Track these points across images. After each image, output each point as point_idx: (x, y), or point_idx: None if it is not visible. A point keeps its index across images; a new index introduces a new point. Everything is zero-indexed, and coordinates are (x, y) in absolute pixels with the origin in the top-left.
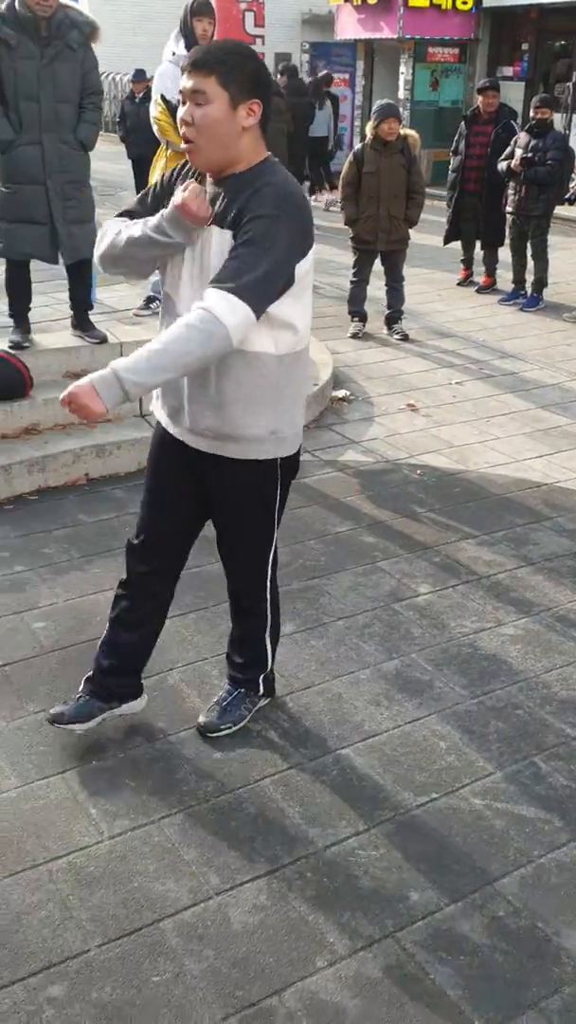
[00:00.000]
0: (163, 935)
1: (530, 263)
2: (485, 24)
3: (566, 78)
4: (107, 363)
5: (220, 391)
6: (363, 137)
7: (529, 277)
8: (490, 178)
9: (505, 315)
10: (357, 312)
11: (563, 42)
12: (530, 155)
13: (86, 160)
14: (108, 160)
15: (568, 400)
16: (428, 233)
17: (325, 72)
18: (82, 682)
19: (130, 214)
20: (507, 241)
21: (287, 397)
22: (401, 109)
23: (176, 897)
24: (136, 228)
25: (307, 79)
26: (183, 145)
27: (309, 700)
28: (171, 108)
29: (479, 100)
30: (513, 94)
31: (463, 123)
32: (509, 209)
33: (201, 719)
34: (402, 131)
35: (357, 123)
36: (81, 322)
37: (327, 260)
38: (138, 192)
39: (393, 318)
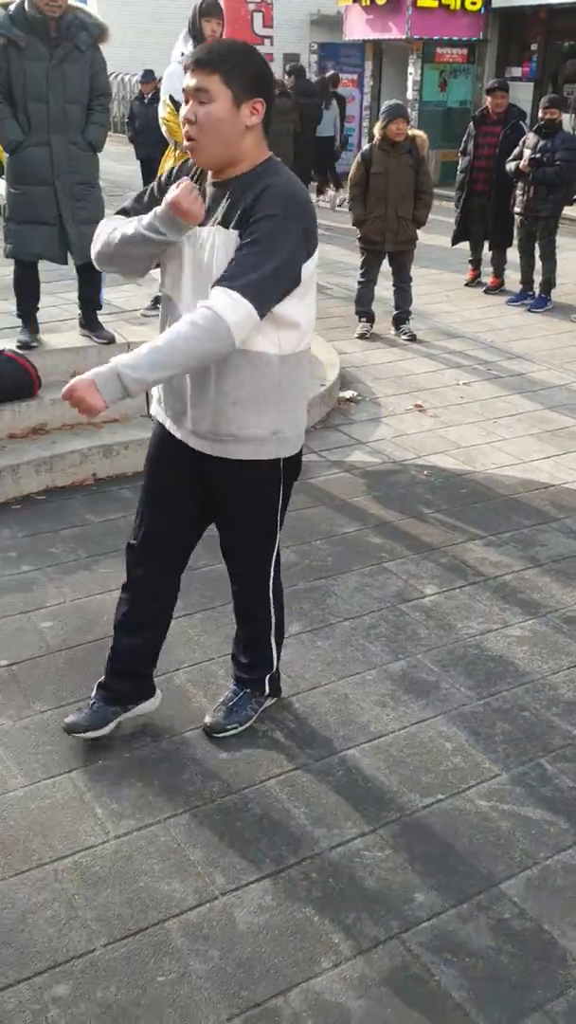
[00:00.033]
0: (168, 935)
1: (538, 264)
2: (494, 24)
3: (575, 79)
4: None
5: (223, 391)
6: (371, 138)
7: (537, 278)
8: (498, 179)
9: (513, 316)
10: (364, 312)
11: (572, 42)
12: (538, 156)
13: (95, 161)
14: (117, 160)
15: None
16: (436, 234)
17: (332, 72)
18: (94, 688)
19: (127, 212)
20: (515, 242)
21: (290, 397)
22: (409, 110)
23: (181, 897)
24: (130, 226)
25: (314, 79)
26: (185, 143)
27: (315, 700)
28: (180, 109)
29: (488, 101)
30: (522, 94)
31: (472, 124)
32: (517, 210)
33: (207, 719)
34: (410, 132)
35: (365, 124)
36: (89, 322)
37: (335, 260)
38: None
39: (401, 319)
